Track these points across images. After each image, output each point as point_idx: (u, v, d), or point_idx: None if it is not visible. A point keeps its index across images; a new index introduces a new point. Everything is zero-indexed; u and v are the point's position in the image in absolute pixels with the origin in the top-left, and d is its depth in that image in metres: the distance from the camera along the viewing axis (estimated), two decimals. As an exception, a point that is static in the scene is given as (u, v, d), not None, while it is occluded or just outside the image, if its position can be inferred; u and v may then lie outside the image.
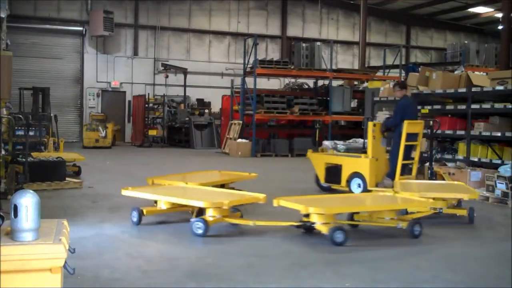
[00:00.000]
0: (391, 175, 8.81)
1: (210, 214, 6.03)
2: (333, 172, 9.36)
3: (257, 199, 6.41)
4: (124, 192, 6.79)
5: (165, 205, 6.60)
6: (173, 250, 5.34)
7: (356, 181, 8.98)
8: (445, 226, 6.89)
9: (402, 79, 17.86)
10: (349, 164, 9.20)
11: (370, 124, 9.13)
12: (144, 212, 6.46)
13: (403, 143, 8.64)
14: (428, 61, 27.86)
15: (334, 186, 9.39)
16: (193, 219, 6.01)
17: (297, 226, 6.08)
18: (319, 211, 5.76)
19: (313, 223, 5.83)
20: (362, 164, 8.96)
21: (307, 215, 5.93)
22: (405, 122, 8.65)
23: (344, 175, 9.15)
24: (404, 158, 8.75)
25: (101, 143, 19.47)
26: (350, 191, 8.90)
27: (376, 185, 8.79)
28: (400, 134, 8.68)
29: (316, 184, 9.81)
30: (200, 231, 5.80)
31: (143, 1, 24.27)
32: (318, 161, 9.67)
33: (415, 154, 9.04)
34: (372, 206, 6.64)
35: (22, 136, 11.03)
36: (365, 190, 8.72)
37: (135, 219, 6.43)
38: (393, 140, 9.03)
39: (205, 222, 5.87)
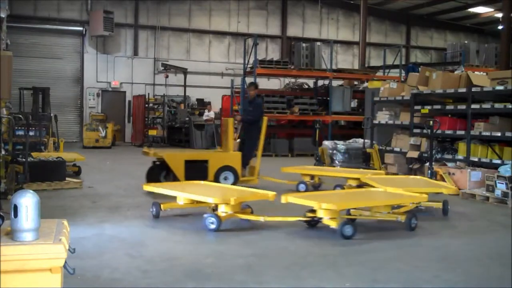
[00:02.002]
0: (245, 164, 10.04)
1: (222, 210, 6.24)
2: (198, 169, 9.31)
3: (266, 197, 6.58)
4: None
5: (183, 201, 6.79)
6: (173, 250, 5.34)
7: (223, 175, 9.43)
8: (444, 226, 6.90)
9: (398, 79, 17.84)
10: (217, 159, 9.50)
11: (231, 120, 9.76)
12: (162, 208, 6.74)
13: (263, 136, 9.86)
14: (428, 61, 27.86)
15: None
16: (206, 215, 6.19)
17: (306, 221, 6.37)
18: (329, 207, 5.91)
19: (320, 218, 6.11)
20: (233, 157, 9.59)
21: (313, 211, 6.18)
22: (265, 119, 9.92)
23: (212, 170, 9.37)
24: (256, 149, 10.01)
25: (101, 143, 19.48)
26: None
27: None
28: (259, 128, 9.87)
29: (147, 181, 9.25)
30: (213, 226, 6.04)
31: (143, 1, 24.28)
32: (176, 160, 9.31)
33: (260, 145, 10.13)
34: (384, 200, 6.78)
35: (22, 136, 11.06)
36: (236, 182, 9.36)
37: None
38: (250, 135, 10.14)
39: (218, 217, 6.09)
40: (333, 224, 5.92)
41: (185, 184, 7.88)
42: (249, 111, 10.28)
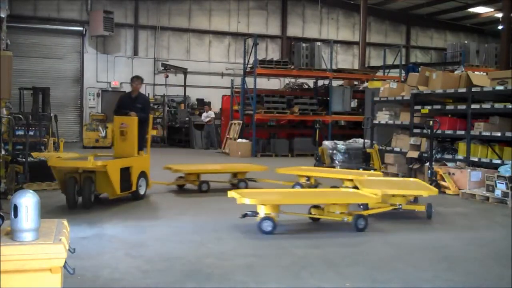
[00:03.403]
0: None
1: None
2: (125, 176, 8.01)
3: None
4: None
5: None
6: (173, 250, 5.34)
7: (140, 182, 8.41)
8: (444, 226, 6.90)
9: (402, 79, 17.84)
10: (137, 164, 8.39)
11: (135, 119, 8.62)
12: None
13: (150, 133, 9.34)
14: (428, 61, 27.85)
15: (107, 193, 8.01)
16: (355, 218, 6.37)
17: None
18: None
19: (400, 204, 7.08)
20: (146, 162, 8.77)
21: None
22: (150, 117, 9.35)
23: (134, 177, 8.22)
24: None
25: (101, 143, 19.49)
26: (137, 193, 8.35)
27: None
28: (147, 126, 9.16)
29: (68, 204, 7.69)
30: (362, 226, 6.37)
31: (143, 1, 24.27)
32: (115, 168, 7.78)
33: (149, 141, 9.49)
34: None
35: (22, 136, 11.04)
36: (146, 188, 8.62)
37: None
38: (140, 133, 8.93)
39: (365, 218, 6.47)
40: (421, 209, 7.18)
41: (274, 193, 7.19)
42: (140, 108, 9.16)
